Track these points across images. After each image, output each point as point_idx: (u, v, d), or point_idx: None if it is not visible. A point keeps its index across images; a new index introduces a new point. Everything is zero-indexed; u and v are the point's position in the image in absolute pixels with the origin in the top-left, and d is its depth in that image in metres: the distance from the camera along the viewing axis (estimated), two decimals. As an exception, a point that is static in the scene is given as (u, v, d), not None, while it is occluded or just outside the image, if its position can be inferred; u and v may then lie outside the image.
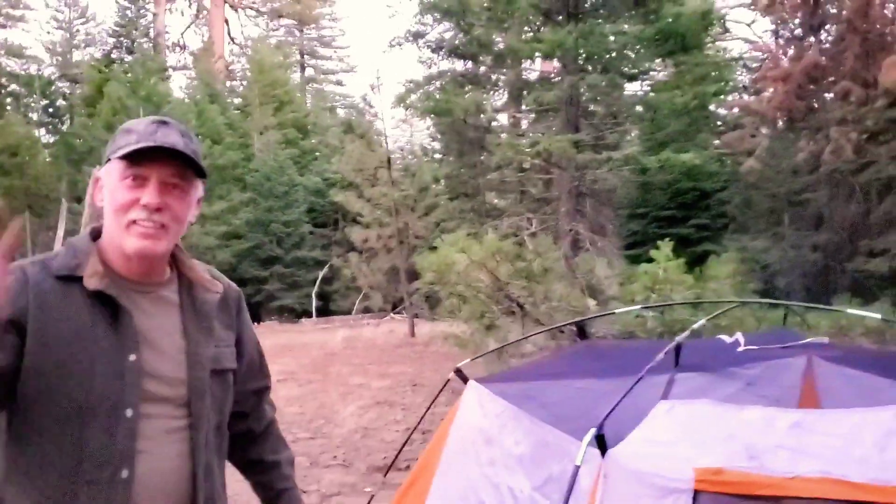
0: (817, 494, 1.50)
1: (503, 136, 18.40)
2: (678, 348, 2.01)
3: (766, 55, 26.34)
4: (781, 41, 26.97)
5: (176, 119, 1.63)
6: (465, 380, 2.60)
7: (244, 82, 36.78)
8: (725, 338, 2.35)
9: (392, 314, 24.44)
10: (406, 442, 3.79)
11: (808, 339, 2.59)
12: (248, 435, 1.76)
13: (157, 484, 1.42)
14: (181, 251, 1.58)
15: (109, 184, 1.47)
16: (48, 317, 1.37)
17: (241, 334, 1.68)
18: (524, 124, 22.80)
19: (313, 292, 26.48)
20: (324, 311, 26.94)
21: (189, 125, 26.65)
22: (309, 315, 26.18)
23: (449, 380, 2.83)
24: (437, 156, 30.34)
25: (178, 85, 37.59)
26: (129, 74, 27.45)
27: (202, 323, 1.56)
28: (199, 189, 1.54)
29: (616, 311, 4.25)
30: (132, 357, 1.41)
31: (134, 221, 1.43)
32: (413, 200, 22.97)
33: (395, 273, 22.07)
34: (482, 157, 20.92)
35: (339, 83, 45.89)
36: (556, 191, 18.06)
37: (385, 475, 4.65)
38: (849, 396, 2.38)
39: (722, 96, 26.21)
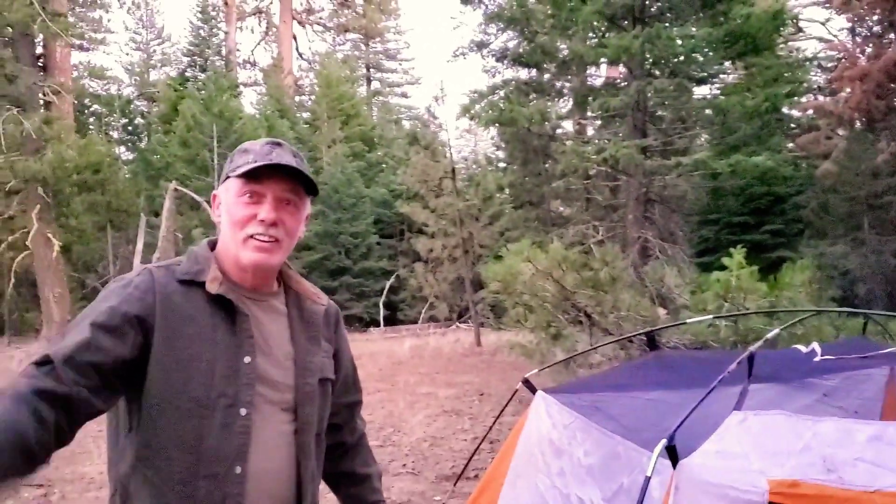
0: (900, 509, 1.46)
1: (568, 143, 18.31)
2: (751, 358, 1.97)
3: (842, 54, 25.46)
4: (858, 39, 26.05)
5: (287, 141, 1.76)
6: (532, 390, 2.61)
7: (312, 97, 37.57)
8: (801, 347, 2.29)
9: (458, 323, 24.52)
10: (475, 452, 3.80)
11: (891, 349, 2.50)
12: (341, 447, 1.82)
13: (266, 483, 1.49)
14: (288, 266, 1.68)
15: (227, 200, 1.58)
16: (173, 317, 1.46)
17: (339, 348, 1.77)
18: (589, 131, 22.62)
19: (380, 302, 26.81)
20: (391, 321, 27.23)
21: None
22: (377, 324, 26.50)
23: (517, 390, 2.84)
24: (501, 165, 30.36)
25: (249, 101, 38.72)
26: (203, 92, 28.39)
27: (310, 332, 1.66)
28: (308, 206, 1.66)
29: (687, 321, 4.17)
30: (247, 359, 1.50)
31: (251, 236, 1.54)
32: (477, 210, 23.03)
33: (461, 282, 22.16)
34: (546, 166, 20.85)
35: (404, 95, 46.42)
36: (622, 198, 17.83)
37: (455, 484, 4.67)
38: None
39: (795, 98, 25.41)
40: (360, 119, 34.76)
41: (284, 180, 1.56)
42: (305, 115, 36.55)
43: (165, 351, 1.43)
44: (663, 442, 1.63)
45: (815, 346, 2.28)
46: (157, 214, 24.19)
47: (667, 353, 3.19)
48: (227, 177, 1.59)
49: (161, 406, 1.42)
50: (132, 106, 35.14)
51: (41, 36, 20.98)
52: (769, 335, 2.07)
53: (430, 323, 25.49)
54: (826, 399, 2.42)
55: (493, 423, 3.33)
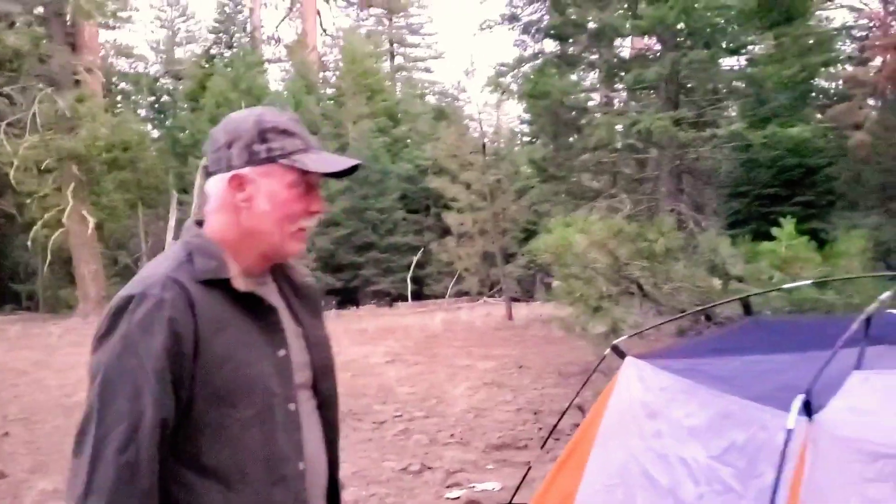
0: None
1: (599, 115, 18.17)
2: (868, 320, 2.01)
3: (874, 23, 24.92)
4: (891, 7, 25.44)
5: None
6: (622, 356, 2.67)
7: (336, 73, 37.53)
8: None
9: (485, 297, 24.62)
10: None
11: None
12: None
13: (315, 466, 1.49)
14: None
15: (272, 187, 1.43)
16: (214, 328, 1.36)
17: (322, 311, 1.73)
18: (618, 103, 22.42)
19: (408, 276, 26.95)
20: (417, 295, 27.40)
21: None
22: (404, 299, 26.68)
23: (605, 356, 2.90)
24: (527, 139, 30.22)
25: (274, 77, 38.73)
26: (229, 69, 28.48)
27: (310, 306, 1.61)
28: None
29: (783, 286, 4.19)
30: (282, 352, 1.45)
31: (301, 229, 1.47)
32: (506, 184, 23.03)
33: (489, 256, 22.21)
34: (575, 138, 20.72)
35: (427, 70, 46.18)
36: (651, 171, 17.72)
37: (544, 449, 4.65)
38: None
39: (828, 68, 24.98)
40: (384, 94, 34.70)
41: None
42: (330, 91, 36.54)
43: (215, 367, 1.35)
44: (801, 397, 1.68)
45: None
46: (186, 191, 24.44)
47: (763, 318, 3.22)
48: (269, 159, 1.43)
49: (222, 424, 1.35)
50: (159, 84, 35.33)
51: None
52: (882, 297, 2.10)
53: (457, 297, 25.63)
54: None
55: (581, 389, 3.37)
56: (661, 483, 2.20)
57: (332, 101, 33.93)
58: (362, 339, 14.86)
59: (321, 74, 38.14)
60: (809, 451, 1.64)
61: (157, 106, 34.35)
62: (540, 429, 7.18)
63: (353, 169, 1.51)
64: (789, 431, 1.67)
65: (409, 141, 33.08)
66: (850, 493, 1.55)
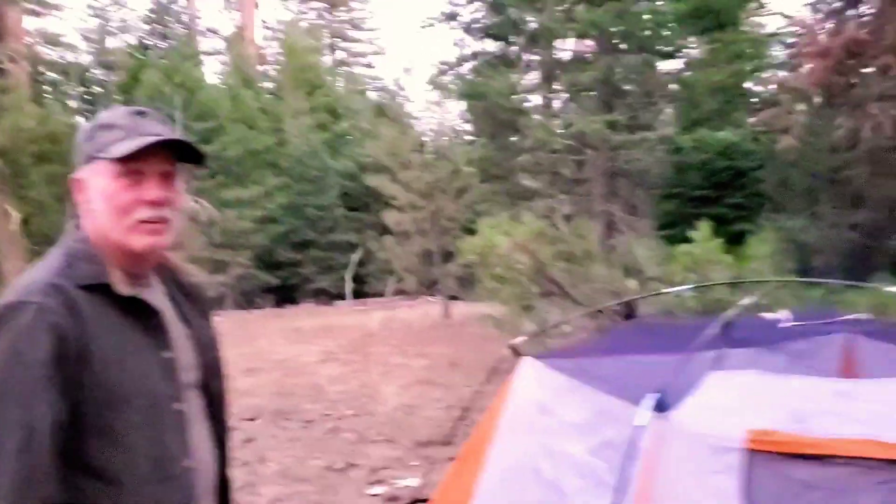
0: (859, 454, 1.64)
1: (536, 117, 18.44)
2: (727, 324, 2.14)
3: (803, 30, 25.83)
4: (820, 15, 26.40)
5: (154, 109, 1.59)
6: (518, 355, 2.77)
7: (276, 67, 37.07)
8: (771, 315, 2.48)
9: (426, 296, 24.68)
10: (461, 420, 3.99)
11: (851, 316, 2.72)
12: None
13: (203, 463, 1.52)
14: None
15: (100, 184, 1.42)
16: (98, 333, 1.36)
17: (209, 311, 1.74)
18: (555, 105, 22.77)
19: (348, 275, 26.82)
20: (358, 294, 27.29)
21: (224, 110, 27.07)
22: (343, 297, 26.54)
23: (504, 356, 2.99)
24: (469, 138, 30.39)
25: (212, 70, 38.00)
26: (164, 61, 27.84)
27: (197, 307, 1.62)
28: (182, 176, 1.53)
29: (664, 290, 4.37)
30: (167, 354, 1.46)
31: (141, 221, 1.42)
32: (445, 183, 23.09)
33: (429, 255, 22.27)
34: (515, 139, 20.97)
35: (369, 66, 46.02)
36: (588, 172, 18.08)
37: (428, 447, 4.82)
38: (886, 369, 2.50)
39: (757, 73, 25.83)
40: (324, 90, 34.44)
41: (163, 153, 1.43)
42: (269, 85, 36.06)
43: (100, 371, 1.34)
44: (653, 395, 1.79)
45: (784, 313, 2.47)
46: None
47: (644, 320, 3.37)
48: (93, 157, 1.43)
49: (110, 427, 1.35)
50: (89, 74, 34.27)
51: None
52: (744, 302, 2.24)
53: (397, 296, 25.62)
54: (794, 362, 2.62)
55: (479, 389, 3.48)
56: (549, 477, 2.30)
57: (270, 96, 33.52)
58: (297, 339, 14.76)
59: (260, 68, 37.61)
60: (661, 445, 1.76)
61: (87, 97, 33.32)
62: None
63: (195, 153, 1.48)
64: (640, 428, 1.78)
65: (349, 137, 32.91)
66: (696, 483, 1.67)
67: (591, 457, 2.10)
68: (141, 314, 1.44)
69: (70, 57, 34.74)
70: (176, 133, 1.47)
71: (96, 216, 1.43)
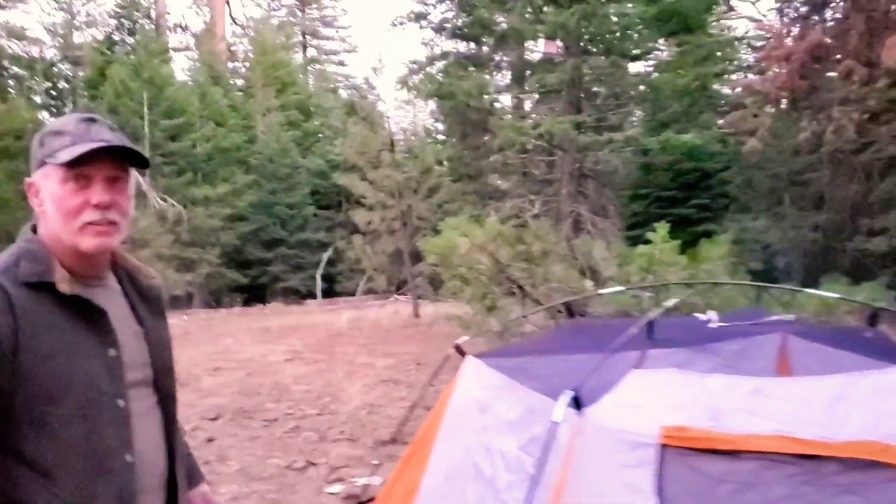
0: (770, 449, 1.71)
1: (505, 118, 18.55)
2: (651, 324, 2.22)
3: (770, 34, 26.21)
4: (786, 20, 26.82)
5: (103, 115, 1.70)
6: (463, 354, 2.82)
7: (246, 64, 36.80)
8: (700, 315, 2.56)
9: (396, 296, 24.70)
10: (408, 416, 4.04)
11: (776, 317, 2.81)
12: None
13: (148, 459, 1.56)
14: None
15: (50, 189, 1.49)
16: (36, 329, 1.40)
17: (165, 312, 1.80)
18: (527, 106, 22.92)
19: (318, 274, 26.72)
20: (328, 293, 27.20)
21: (193, 108, 26.81)
22: (313, 296, 26.44)
23: (448, 356, 3.04)
24: (440, 137, 30.45)
25: (181, 67, 37.59)
26: (132, 56, 27.50)
27: (153, 308, 1.68)
28: (133, 181, 1.60)
29: (600, 291, 4.47)
30: (112, 352, 1.51)
31: (88, 223, 1.48)
32: (416, 183, 23.13)
33: (399, 255, 22.28)
34: (485, 139, 21.09)
35: (341, 63, 45.83)
36: (558, 173, 18.24)
37: (387, 445, 4.87)
38: (816, 368, 2.60)
39: (725, 76, 26.19)
40: (295, 87, 34.26)
41: (110, 159, 1.50)
42: (239, 82, 35.79)
43: (36, 366, 1.39)
44: (569, 392, 1.86)
45: (713, 314, 2.54)
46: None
47: (583, 320, 3.45)
48: (43, 162, 1.50)
49: (44, 420, 1.40)
50: (55, 69, 33.71)
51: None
52: (668, 304, 2.31)
53: (368, 295, 25.59)
54: (726, 363, 2.71)
55: (425, 388, 3.53)
56: (485, 473, 2.36)
57: (240, 93, 33.26)
58: (264, 338, 14.69)
59: (230, 65, 37.30)
60: (578, 440, 1.83)
61: (53, 93, 32.78)
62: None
63: (136, 157, 1.53)
64: (555, 424, 1.85)
65: (320, 135, 32.78)
66: (610, 477, 1.74)
67: (521, 452, 2.17)
68: (85, 313, 1.49)
69: (35, 51, 34.13)
70: (122, 140, 1.54)
71: (48, 219, 1.51)
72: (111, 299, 1.58)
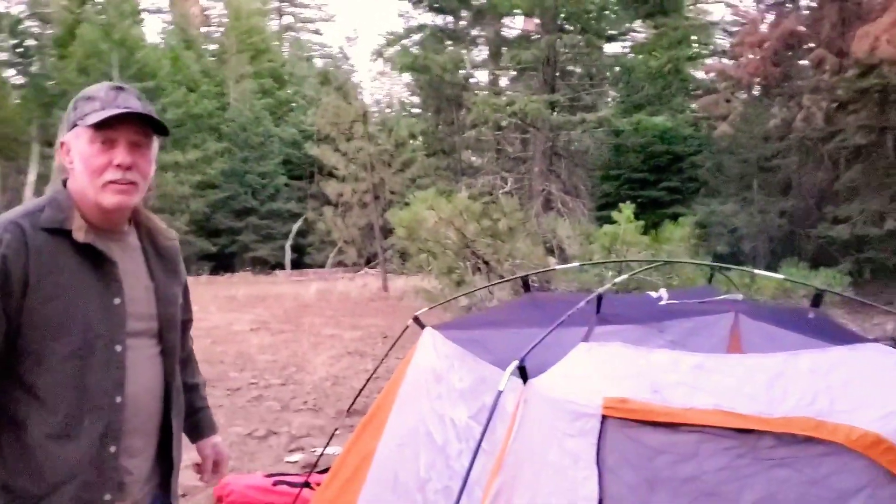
0: (709, 423, 1.77)
1: (480, 94, 18.49)
2: (599, 298, 2.27)
3: (745, 20, 26.35)
4: (762, 6, 26.98)
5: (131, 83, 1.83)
6: (422, 326, 2.86)
7: (220, 29, 36.12)
8: (651, 293, 2.62)
9: (366, 268, 24.66)
10: (365, 385, 4.08)
11: (724, 296, 2.88)
12: None
13: (141, 403, 1.68)
14: (139, 203, 1.78)
15: (79, 148, 1.64)
16: (46, 270, 1.55)
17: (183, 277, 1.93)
18: (503, 82, 22.86)
19: (288, 245, 26.57)
20: (298, 264, 27.08)
21: (164, 72, 26.32)
22: (283, 267, 26.31)
23: (407, 327, 3.08)
24: (415, 111, 30.24)
25: (153, 29, 36.83)
26: (102, 17, 26.86)
27: (167, 265, 1.81)
28: (156, 146, 1.74)
29: (558, 267, 4.54)
30: (117, 301, 1.63)
31: (110, 181, 1.61)
32: (389, 156, 23.01)
33: (370, 228, 22.22)
34: (460, 115, 21.02)
35: (316, 32, 45.23)
36: (531, 151, 18.29)
37: (346, 414, 4.90)
38: (763, 346, 2.68)
39: (699, 60, 26.32)
40: (270, 54, 33.78)
41: (134, 125, 1.64)
42: (213, 47, 35.16)
43: (41, 303, 1.54)
44: (515, 362, 1.90)
45: (663, 292, 2.60)
46: (50, 144, 22.99)
47: (539, 294, 3.51)
48: (75, 125, 1.65)
49: (45, 354, 1.55)
50: (22, 26, 32.78)
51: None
52: (617, 279, 2.36)
53: (337, 267, 25.52)
54: (677, 341, 2.78)
55: (383, 358, 3.58)
56: (437, 441, 2.41)
57: (213, 59, 32.68)
58: (230, 307, 14.63)
59: (203, 30, 36.59)
60: (521, 409, 1.88)
61: (20, 50, 31.90)
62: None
63: (157, 124, 1.67)
64: (499, 393, 1.90)
65: (294, 104, 32.39)
66: (551, 446, 1.78)
67: (471, 421, 2.22)
68: (96, 262, 1.62)
69: (2, 6, 33.19)
70: (147, 108, 1.68)
71: (76, 175, 1.65)
72: (127, 254, 1.72)
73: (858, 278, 15.59)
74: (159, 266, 1.78)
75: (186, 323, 1.95)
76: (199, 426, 2.02)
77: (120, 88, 1.68)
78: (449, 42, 19.66)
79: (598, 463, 1.74)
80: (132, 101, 1.66)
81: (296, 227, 26.87)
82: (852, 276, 11.49)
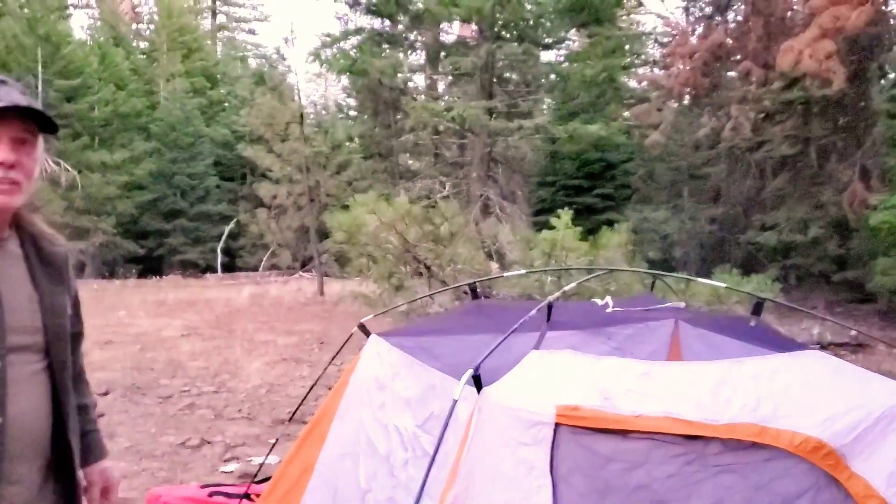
0: (658, 430, 1.79)
1: (418, 98, 18.48)
2: (550, 306, 2.27)
3: (675, 31, 27.08)
4: (692, 18, 27.77)
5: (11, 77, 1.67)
6: (367, 333, 2.81)
7: (151, 26, 35.15)
8: (598, 301, 2.64)
9: (301, 272, 24.32)
10: (307, 394, 4.00)
11: (668, 304, 2.94)
12: None
13: (25, 424, 1.52)
14: (21, 206, 1.63)
15: None
16: None
17: (72, 286, 1.77)
18: (441, 87, 22.91)
19: (219, 248, 25.99)
20: (229, 268, 26.52)
21: (91, 69, 25.41)
22: (213, 271, 25.73)
23: (352, 334, 3.02)
24: (352, 113, 30.03)
25: (80, 24, 35.57)
26: (26, 10, 25.77)
27: (53, 273, 1.64)
28: (42, 145, 1.60)
29: (505, 274, 4.56)
30: None
31: None
32: (325, 158, 22.76)
33: (305, 231, 21.92)
34: (397, 118, 20.96)
35: (251, 32, 44.48)
36: (469, 156, 18.38)
37: (286, 424, 4.81)
38: (703, 353, 2.73)
39: (632, 69, 26.91)
40: (202, 53, 33.05)
41: (18, 120, 1.51)
42: (143, 45, 34.19)
43: None
44: (469, 371, 1.88)
45: (609, 299, 2.63)
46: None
47: (485, 301, 3.51)
48: None
49: None
50: (-62, 18, 31.22)
51: None
52: (566, 287, 2.38)
53: (271, 271, 25.09)
54: (620, 347, 2.81)
55: (328, 366, 3.51)
56: (380, 450, 2.37)
57: (143, 56, 31.77)
58: (159, 312, 14.20)
59: (133, 26, 35.55)
60: (475, 417, 1.86)
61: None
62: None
63: (44, 120, 1.54)
64: (454, 402, 1.88)
65: (226, 105, 31.77)
66: (506, 454, 1.78)
67: (418, 430, 2.19)
68: None
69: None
70: (32, 103, 1.53)
71: None
72: (7, 261, 1.56)
73: (785, 284, 16.19)
74: (44, 274, 1.61)
75: (77, 336, 1.78)
76: (87, 450, 1.81)
77: (2, 82, 1.54)
78: (387, 46, 19.58)
79: (552, 471, 1.74)
80: (15, 95, 1.51)
81: (227, 229, 26.31)
82: (779, 282, 11.91)
